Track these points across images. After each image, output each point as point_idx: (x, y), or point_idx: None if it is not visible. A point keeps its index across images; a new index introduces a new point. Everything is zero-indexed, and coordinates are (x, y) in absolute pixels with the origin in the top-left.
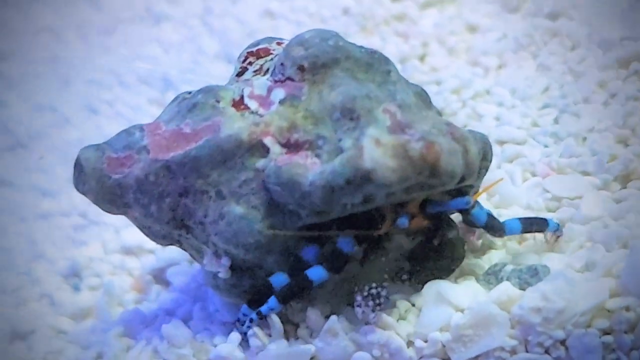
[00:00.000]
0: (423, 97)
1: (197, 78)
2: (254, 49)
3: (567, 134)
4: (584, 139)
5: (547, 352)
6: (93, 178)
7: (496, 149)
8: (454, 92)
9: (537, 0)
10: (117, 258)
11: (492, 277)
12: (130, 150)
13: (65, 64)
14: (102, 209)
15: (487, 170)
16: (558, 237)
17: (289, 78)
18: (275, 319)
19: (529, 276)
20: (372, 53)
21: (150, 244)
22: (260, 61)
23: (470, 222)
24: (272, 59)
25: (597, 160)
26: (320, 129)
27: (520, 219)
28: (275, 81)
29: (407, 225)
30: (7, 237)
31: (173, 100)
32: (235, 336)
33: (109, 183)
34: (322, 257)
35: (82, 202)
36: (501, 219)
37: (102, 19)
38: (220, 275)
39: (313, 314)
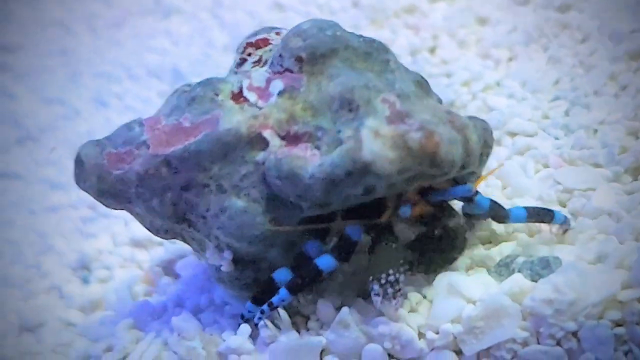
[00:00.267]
0: (423, 85)
1: (207, 70)
2: (253, 40)
3: (577, 126)
4: (595, 131)
5: (558, 343)
6: (94, 174)
7: (507, 141)
8: (464, 85)
9: None
10: (127, 250)
11: (504, 268)
12: (130, 146)
13: (74, 57)
14: (104, 205)
15: (488, 157)
16: (566, 230)
17: (287, 69)
18: (282, 312)
19: (541, 268)
20: (371, 42)
21: None
22: (260, 52)
23: (473, 210)
24: (271, 50)
25: (608, 152)
26: (320, 120)
27: (526, 207)
28: (274, 73)
29: (409, 213)
30: (17, 230)
31: (173, 93)
32: (245, 328)
33: (109, 179)
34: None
35: None
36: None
37: (111, 12)
38: (222, 268)
39: (324, 306)
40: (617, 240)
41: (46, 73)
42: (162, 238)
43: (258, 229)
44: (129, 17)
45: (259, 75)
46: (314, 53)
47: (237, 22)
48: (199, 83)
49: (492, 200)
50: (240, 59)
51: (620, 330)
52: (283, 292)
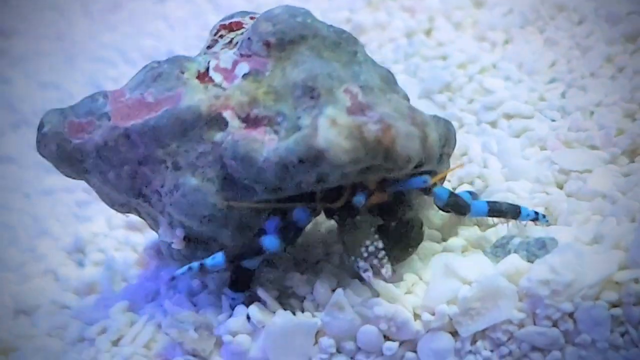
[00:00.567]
0: (389, 79)
1: None
2: (227, 22)
3: (574, 108)
4: (592, 113)
5: (555, 325)
6: (53, 142)
7: (503, 123)
8: (460, 67)
9: None
10: (121, 233)
11: (500, 249)
12: (92, 116)
13: (69, 41)
14: (63, 174)
15: (449, 157)
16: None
17: (255, 53)
18: (263, 292)
19: (537, 249)
20: (341, 32)
21: None
22: (232, 34)
23: (434, 202)
24: (242, 33)
25: (605, 134)
26: (281, 106)
27: (488, 202)
28: (242, 55)
29: (363, 202)
30: (12, 214)
31: (143, 68)
32: (240, 310)
33: (68, 147)
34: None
35: None
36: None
37: None
38: (173, 245)
39: (320, 287)
40: (614, 221)
41: (41, 57)
42: (119, 212)
43: (210, 208)
44: (124, 1)
45: (227, 57)
46: (282, 39)
47: (232, 6)
48: (166, 60)
49: (452, 193)
50: (212, 40)
51: (616, 311)
52: (219, 256)
